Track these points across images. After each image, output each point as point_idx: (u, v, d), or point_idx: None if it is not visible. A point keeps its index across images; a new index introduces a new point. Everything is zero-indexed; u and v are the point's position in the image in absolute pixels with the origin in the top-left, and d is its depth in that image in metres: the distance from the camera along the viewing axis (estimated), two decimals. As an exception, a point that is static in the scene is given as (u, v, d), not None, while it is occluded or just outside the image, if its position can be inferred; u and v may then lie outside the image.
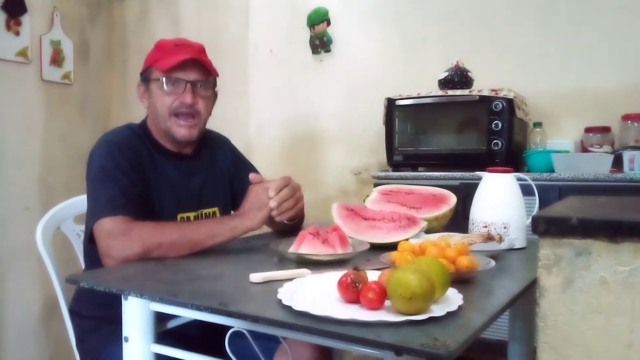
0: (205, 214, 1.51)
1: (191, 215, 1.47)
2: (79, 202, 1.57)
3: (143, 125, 1.51)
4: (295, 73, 3.13)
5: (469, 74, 2.49)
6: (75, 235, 1.59)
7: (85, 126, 2.88)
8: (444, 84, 2.50)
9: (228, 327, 0.93)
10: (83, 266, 1.50)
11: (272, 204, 1.34)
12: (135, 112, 3.02)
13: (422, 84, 2.61)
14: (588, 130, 2.36)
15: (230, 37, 3.19)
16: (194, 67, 1.44)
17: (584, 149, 2.36)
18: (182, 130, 1.45)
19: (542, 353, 0.76)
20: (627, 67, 2.37)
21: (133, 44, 3.23)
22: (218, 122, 1.74)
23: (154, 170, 1.44)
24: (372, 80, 2.91)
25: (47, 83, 2.67)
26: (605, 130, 2.33)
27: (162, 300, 0.95)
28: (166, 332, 1.11)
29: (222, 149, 1.65)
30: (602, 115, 2.39)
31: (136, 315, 1.02)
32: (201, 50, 1.49)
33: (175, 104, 1.43)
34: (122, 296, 1.02)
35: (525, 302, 1.43)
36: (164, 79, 1.43)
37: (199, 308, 0.89)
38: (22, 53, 2.54)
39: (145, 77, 1.48)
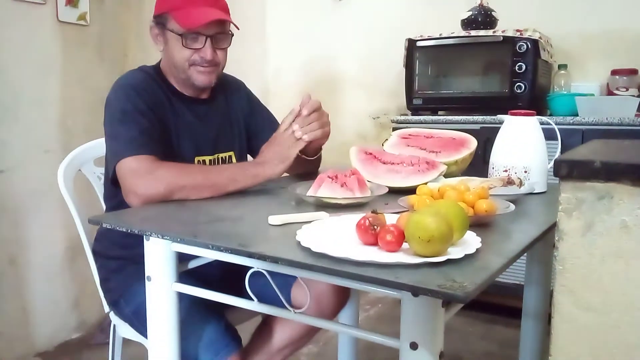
0: (222, 158, 1.52)
1: (207, 159, 1.48)
2: (99, 145, 1.58)
3: (157, 68, 1.49)
4: (313, 13, 3.06)
5: (493, 13, 2.41)
6: (96, 178, 1.61)
7: (103, 68, 2.87)
8: (467, 24, 2.43)
9: (247, 267, 0.95)
10: (104, 208, 1.53)
11: (295, 126, 1.38)
12: (153, 54, 2.98)
13: (444, 24, 2.54)
14: (614, 72, 2.30)
15: (247, -24, 3.11)
16: (215, 22, 1.39)
17: (609, 92, 2.30)
18: (201, 76, 1.42)
19: (559, 296, 0.76)
20: (658, 7, 2.27)
21: (148, -16, 3.17)
22: (234, 66, 1.72)
23: (172, 112, 1.43)
24: (393, 21, 2.84)
25: (63, 24, 2.64)
26: (632, 72, 2.27)
27: (183, 241, 0.97)
28: (188, 272, 1.14)
29: (237, 93, 1.63)
30: (629, 57, 2.32)
31: (158, 255, 1.05)
32: None
33: (194, 57, 1.40)
34: (144, 237, 1.04)
35: (543, 246, 1.43)
36: (184, 34, 1.38)
37: (219, 249, 0.91)
38: (38, -7, 2.51)
39: (161, 23, 1.43)
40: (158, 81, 1.45)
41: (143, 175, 1.24)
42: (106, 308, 1.48)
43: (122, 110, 1.34)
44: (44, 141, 2.55)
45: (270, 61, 3.19)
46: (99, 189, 1.59)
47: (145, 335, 1.17)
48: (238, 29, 1.47)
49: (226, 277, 1.32)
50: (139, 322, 1.32)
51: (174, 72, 1.45)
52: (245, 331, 1.40)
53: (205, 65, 1.41)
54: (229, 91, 1.60)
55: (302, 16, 3.09)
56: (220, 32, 1.42)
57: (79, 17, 2.73)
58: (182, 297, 1.09)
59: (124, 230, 1.04)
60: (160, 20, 1.43)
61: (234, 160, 1.55)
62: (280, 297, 0.97)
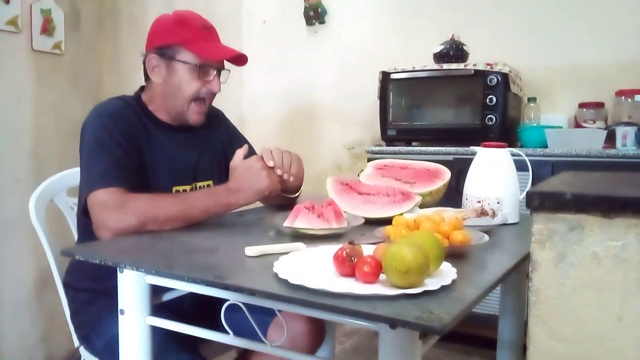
0: (200, 186, 1.51)
1: (187, 188, 1.47)
2: (72, 175, 1.56)
3: (137, 98, 1.49)
4: (289, 45, 3.10)
5: (465, 47, 2.48)
6: (69, 208, 1.58)
7: (77, 97, 2.85)
8: (439, 57, 2.48)
9: (223, 300, 0.94)
10: (76, 239, 1.50)
11: (278, 171, 1.37)
12: (128, 82, 2.99)
13: (417, 57, 2.59)
14: (582, 105, 2.37)
15: (223, 7, 3.14)
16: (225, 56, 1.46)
17: (577, 124, 2.37)
18: (196, 116, 1.46)
19: (534, 326, 0.77)
20: (621, 43, 2.36)
21: (124, 13, 3.18)
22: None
23: (149, 142, 1.43)
24: (367, 53, 2.89)
25: (38, 53, 2.63)
26: (599, 105, 2.34)
27: (158, 273, 0.95)
28: (162, 304, 1.12)
29: (217, 122, 1.64)
30: (596, 90, 2.39)
31: (132, 288, 1.03)
32: None
33: (203, 90, 1.43)
34: (118, 269, 1.02)
35: (516, 276, 1.45)
36: (199, 66, 1.41)
37: (195, 281, 0.89)
38: (13, 22, 2.50)
39: (168, 54, 1.42)
40: (137, 109, 1.45)
41: (112, 208, 1.22)
42: (76, 342, 1.44)
43: (96, 140, 1.33)
44: (15, 170, 2.51)
45: (246, 91, 3.21)
46: (72, 220, 1.57)
47: (117, 371, 1.14)
48: (244, 65, 1.52)
49: (201, 310, 1.30)
50: (110, 356, 1.28)
51: (170, 102, 1.45)
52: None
53: (209, 98, 1.47)
54: (208, 120, 1.60)
55: (277, 47, 3.12)
56: (223, 67, 1.49)
57: (53, 46, 2.72)
58: (155, 330, 1.07)
59: (97, 262, 1.02)
60: (165, 52, 1.43)
61: (212, 188, 1.54)
62: (257, 329, 0.96)
